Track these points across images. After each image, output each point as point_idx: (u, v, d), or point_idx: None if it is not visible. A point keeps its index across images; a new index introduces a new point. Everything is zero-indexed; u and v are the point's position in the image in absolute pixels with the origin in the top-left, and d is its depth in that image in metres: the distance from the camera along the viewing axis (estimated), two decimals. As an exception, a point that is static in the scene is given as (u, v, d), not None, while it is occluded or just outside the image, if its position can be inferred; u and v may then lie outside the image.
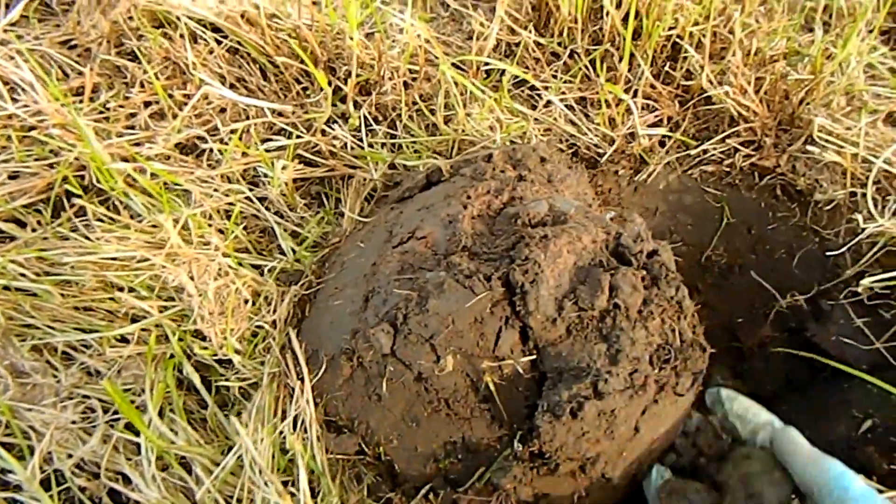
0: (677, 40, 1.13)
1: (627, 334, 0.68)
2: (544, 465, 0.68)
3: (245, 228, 0.97)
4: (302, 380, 0.79)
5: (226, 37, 1.09)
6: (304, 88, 1.10)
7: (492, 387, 0.70)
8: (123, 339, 0.88)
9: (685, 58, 1.13)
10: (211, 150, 0.99)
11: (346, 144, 1.04)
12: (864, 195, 1.05)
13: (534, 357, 0.70)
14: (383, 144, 1.06)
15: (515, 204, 0.79)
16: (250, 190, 0.98)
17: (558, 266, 0.70)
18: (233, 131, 0.98)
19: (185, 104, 1.01)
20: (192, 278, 0.83)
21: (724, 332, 1.24)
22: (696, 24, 1.12)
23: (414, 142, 1.06)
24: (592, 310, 0.69)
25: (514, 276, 0.69)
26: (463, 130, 1.05)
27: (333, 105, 1.08)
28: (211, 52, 1.06)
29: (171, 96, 1.03)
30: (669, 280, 0.71)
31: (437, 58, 1.08)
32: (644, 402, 0.68)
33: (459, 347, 0.70)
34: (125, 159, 0.94)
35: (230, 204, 0.96)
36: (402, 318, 0.71)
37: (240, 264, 0.91)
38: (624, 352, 0.68)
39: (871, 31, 1.29)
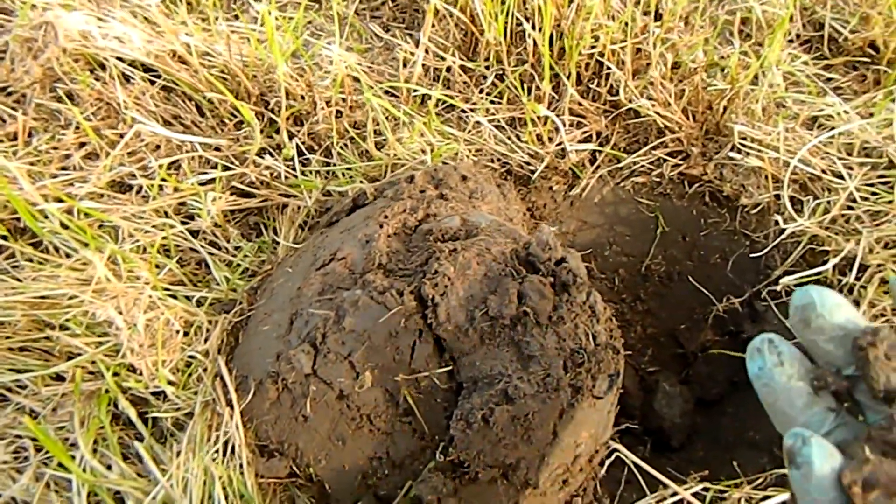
0: (599, 58, 1.16)
1: (538, 340, 0.70)
2: (465, 474, 0.69)
3: (180, 261, 0.98)
4: (231, 406, 0.80)
5: (159, 76, 1.11)
6: (240, 122, 1.12)
7: (410, 400, 0.71)
8: (59, 378, 0.88)
9: (608, 74, 1.17)
10: (141, 187, 1.01)
11: (279, 174, 1.06)
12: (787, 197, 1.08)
13: (450, 368, 0.71)
14: (317, 172, 1.08)
15: (430, 221, 0.81)
16: (184, 223, 1.00)
17: (468, 278, 0.72)
18: (160, 166, 1.00)
19: (118, 143, 1.03)
20: (120, 312, 0.84)
21: (669, 339, 1.27)
22: (617, 42, 1.16)
23: (348, 168, 1.08)
24: (503, 318, 0.70)
25: (424, 290, 0.70)
26: (395, 155, 1.07)
27: (269, 137, 1.10)
28: (144, 91, 1.08)
29: (103, 136, 1.04)
30: (579, 286, 0.73)
31: (368, 86, 1.11)
32: (559, 405, 0.70)
33: (377, 363, 0.71)
34: (59, 199, 0.96)
35: (163, 238, 0.97)
36: (321, 337, 0.73)
37: (173, 297, 0.92)
38: (535, 357, 0.69)
39: (790, 42, 1.35)
